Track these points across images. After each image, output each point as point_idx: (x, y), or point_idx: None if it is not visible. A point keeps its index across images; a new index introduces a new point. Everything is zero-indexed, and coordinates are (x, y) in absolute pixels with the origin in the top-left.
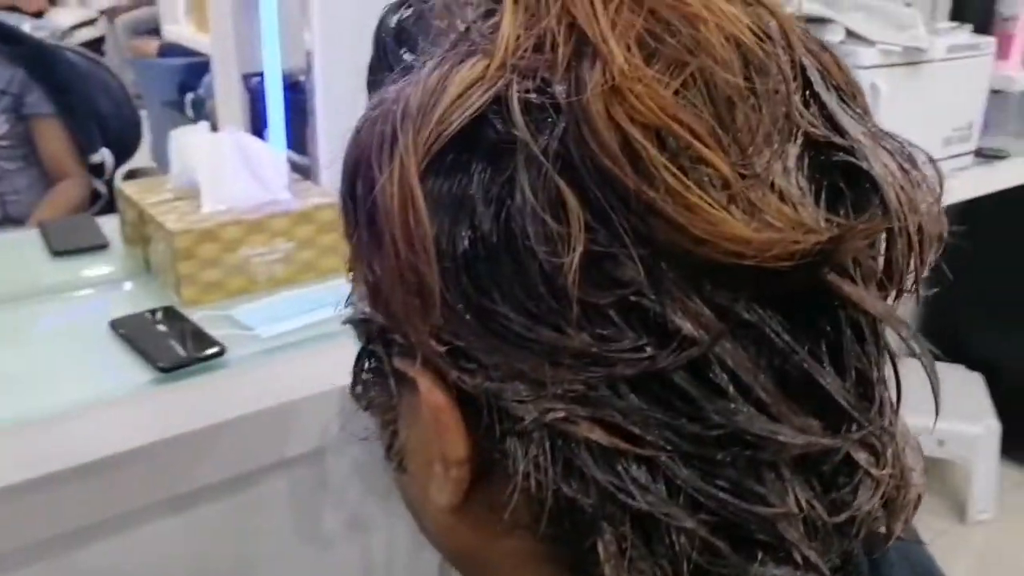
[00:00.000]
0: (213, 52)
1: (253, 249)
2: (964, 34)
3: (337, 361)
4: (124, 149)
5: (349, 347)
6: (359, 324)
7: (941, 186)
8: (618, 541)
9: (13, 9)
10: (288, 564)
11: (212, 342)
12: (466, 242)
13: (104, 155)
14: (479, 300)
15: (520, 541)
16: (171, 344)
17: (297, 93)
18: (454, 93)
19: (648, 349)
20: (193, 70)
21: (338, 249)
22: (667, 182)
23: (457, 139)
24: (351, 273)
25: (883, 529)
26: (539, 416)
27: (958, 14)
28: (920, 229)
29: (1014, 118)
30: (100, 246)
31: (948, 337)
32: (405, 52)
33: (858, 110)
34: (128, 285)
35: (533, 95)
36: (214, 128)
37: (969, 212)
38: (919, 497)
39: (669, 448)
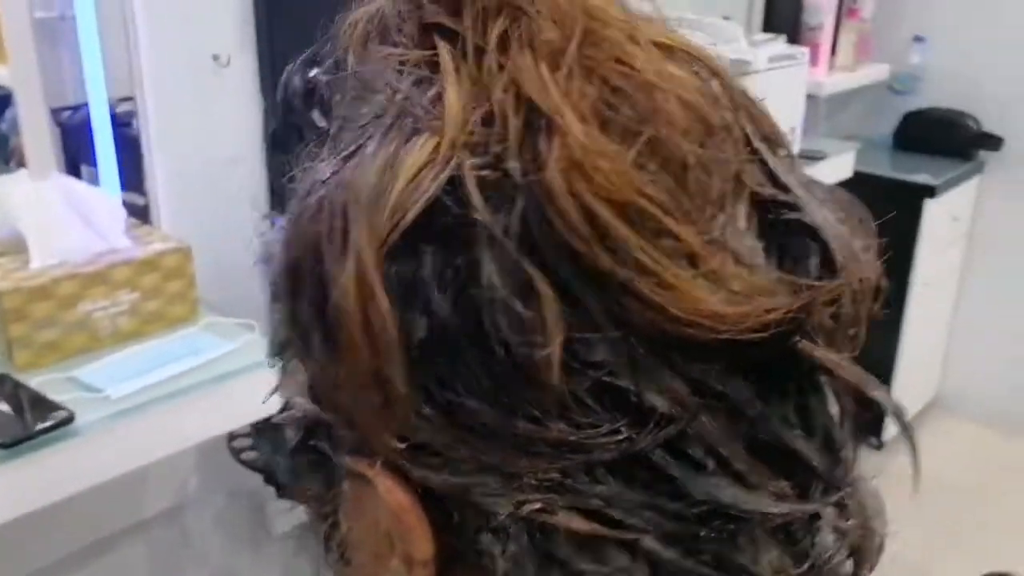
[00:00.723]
0: (13, 84)
1: (93, 303)
2: (780, 44)
3: (194, 417)
4: None
5: (206, 401)
6: (296, 420)
7: (873, 231)
8: None
9: None
10: None
11: (56, 408)
12: (423, 331)
13: None
14: (440, 393)
15: None
16: (9, 416)
17: (120, 126)
18: (405, 178)
19: (624, 431)
20: None
21: (187, 296)
22: (639, 261)
23: (411, 226)
24: (279, 361)
25: None
26: (514, 510)
27: (768, 25)
28: (861, 280)
29: (823, 120)
30: None
31: None
32: (315, 113)
33: (788, 162)
34: None
35: (487, 172)
36: (21, 166)
37: None
38: (882, 543)
39: (651, 529)
